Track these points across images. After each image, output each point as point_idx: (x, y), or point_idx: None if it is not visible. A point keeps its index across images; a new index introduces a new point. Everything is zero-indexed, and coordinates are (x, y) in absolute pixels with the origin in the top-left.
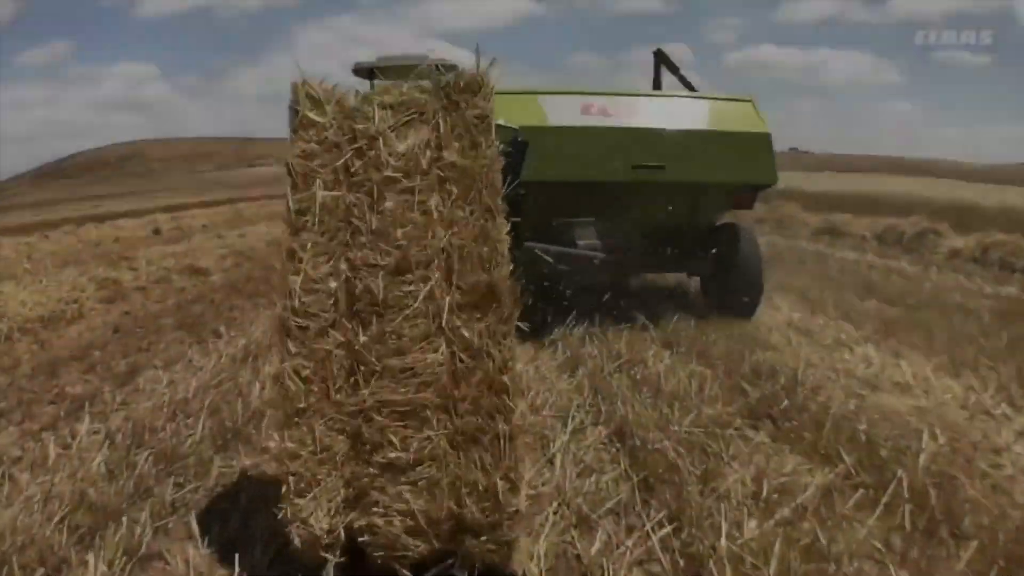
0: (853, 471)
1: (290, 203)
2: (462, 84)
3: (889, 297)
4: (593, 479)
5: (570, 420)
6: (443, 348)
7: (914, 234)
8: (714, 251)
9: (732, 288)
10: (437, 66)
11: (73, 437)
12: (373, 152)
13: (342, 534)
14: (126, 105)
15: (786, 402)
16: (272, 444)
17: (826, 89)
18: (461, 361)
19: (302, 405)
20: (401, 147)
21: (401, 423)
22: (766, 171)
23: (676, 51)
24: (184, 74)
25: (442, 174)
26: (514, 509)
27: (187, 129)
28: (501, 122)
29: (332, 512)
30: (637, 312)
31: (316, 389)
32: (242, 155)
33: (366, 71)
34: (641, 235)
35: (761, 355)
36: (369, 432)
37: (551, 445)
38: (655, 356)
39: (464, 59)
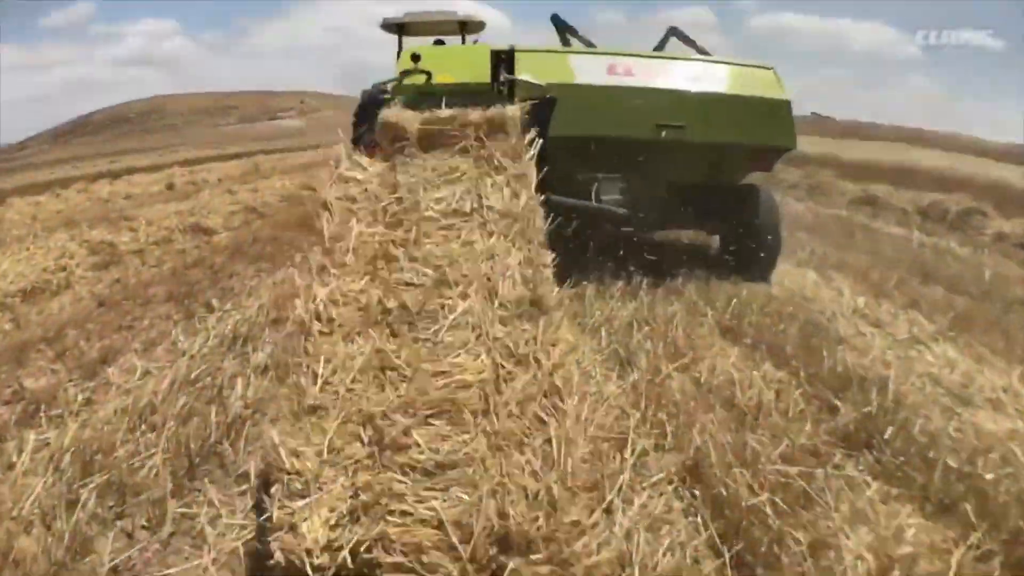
0: (982, 535)
1: (325, 231)
2: (507, 150)
3: (951, 283)
4: (667, 544)
5: (629, 446)
6: (483, 356)
7: (958, 213)
8: (734, 211)
9: (750, 248)
10: (464, 23)
11: (20, 452)
12: (413, 199)
13: (347, 558)
14: (147, 61)
15: (890, 429)
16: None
17: (846, 58)
18: (503, 367)
19: (313, 402)
20: (442, 193)
21: (432, 423)
22: (786, 135)
23: (698, 16)
24: (206, 30)
25: (484, 218)
26: (575, 519)
27: (209, 83)
28: (529, 79)
29: (333, 523)
30: (687, 289)
31: (332, 389)
32: (264, 107)
33: (394, 27)
34: (663, 193)
35: (841, 355)
36: (392, 432)
37: (605, 484)
38: (719, 352)
39: (490, 16)
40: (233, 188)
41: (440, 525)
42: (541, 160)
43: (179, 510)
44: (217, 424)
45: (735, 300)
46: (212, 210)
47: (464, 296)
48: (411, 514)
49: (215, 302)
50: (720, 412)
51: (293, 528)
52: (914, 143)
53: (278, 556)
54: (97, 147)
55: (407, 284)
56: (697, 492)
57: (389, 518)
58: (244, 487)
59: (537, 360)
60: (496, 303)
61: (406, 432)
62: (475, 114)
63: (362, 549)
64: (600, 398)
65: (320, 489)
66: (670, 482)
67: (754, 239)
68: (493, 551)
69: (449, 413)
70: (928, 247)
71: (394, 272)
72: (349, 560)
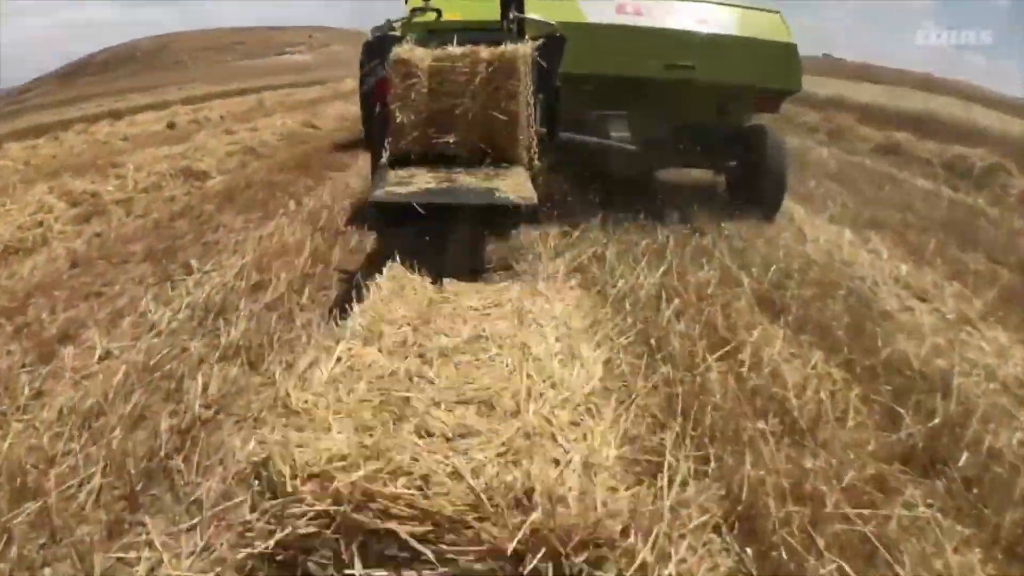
0: None
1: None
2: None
3: (990, 250)
4: None
5: (665, 472)
6: (523, 381)
7: (983, 169)
8: (741, 151)
9: (757, 187)
10: None
11: None
12: (456, 300)
13: (340, 492)
14: (155, 1)
15: (965, 454)
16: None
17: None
18: (536, 389)
19: (331, 376)
20: (482, 294)
21: (458, 410)
22: (791, 78)
23: None
24: None
25: (522, 316)
26: (612, 486)
27: (217, 22)
28: (539, 17)
29: (330, 458)
30: (718, 249)
31: (355, 372)
32: (272, 42)
33: None
34: (672, 131)
35: (897, 345)
36: (414, 411)
37: (637, 535)
38: (763, 335)
39: None
40: (232, 127)
41: (454, 472)
42: (552, 99)
43: (115, 555)
44: (170, 431)
45: (773, 266)
46: (207, 152)
47: (500, 347)
48: (427, 471)
49: (194, 262)
50: (771, 420)
51: (284, 447)
52: (924, 89)
53: (262, 471)
54: (102, 87)
55: (445, 334)
56: (748, 551)
57: (397, 457)
58: (196, 520)
59: (572, 389)
60: (531, 358)
61: (427, 411)
62: (486, 52)
63: (359, 481)
64: (627, 397)
65: (326, 430)
66: (715, 527)
67: (761, 179)
68: (516, 512)
69: (476, 407)
70: (959, 205)
71: (433, 327)
72: (344, 494)
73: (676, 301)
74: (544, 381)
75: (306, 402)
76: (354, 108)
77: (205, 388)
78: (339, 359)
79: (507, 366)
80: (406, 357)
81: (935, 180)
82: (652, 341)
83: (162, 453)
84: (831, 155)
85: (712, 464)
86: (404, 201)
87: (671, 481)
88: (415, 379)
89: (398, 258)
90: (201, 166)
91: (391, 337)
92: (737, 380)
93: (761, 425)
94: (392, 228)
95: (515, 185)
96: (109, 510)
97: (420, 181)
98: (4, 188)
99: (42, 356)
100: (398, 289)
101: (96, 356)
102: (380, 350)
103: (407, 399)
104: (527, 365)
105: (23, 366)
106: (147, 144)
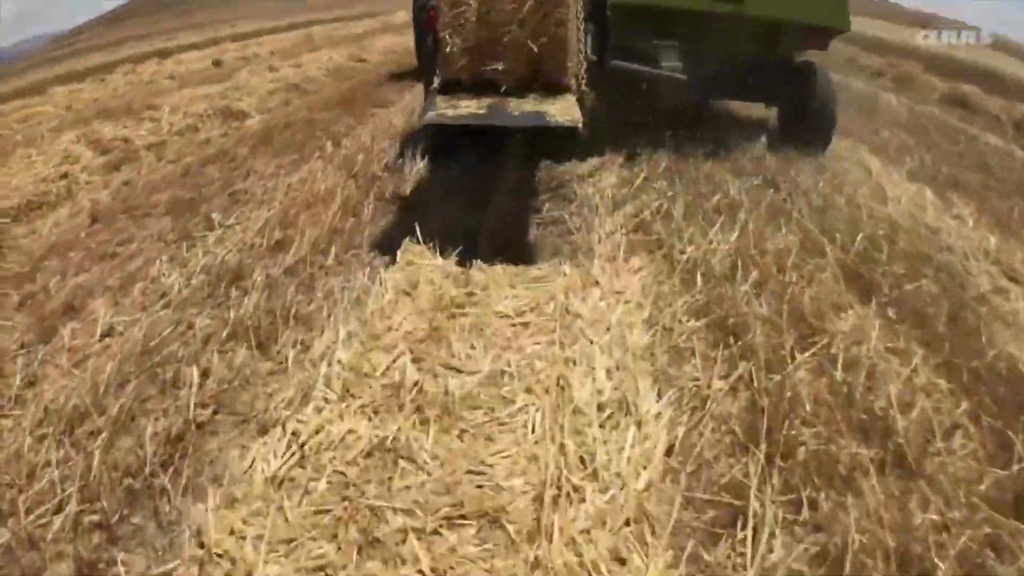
0: None
1: (369, 306)
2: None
3: None
4: None
5: (750, 523)
6: (543, 460)
7: None
8: (790, 85)
9: (807, 122)
10: None
11: None
12: (485, 296)
13: None
14: None
15: None
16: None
17: None
18: (569, 480)
19: (281, 472)
20: (519, 292)
21: (446, 534)
22: (840, 17)
23: None
24: None
25: (567, 323)
26: None
27: None
28: None
29: None
30: (796, 208)
31: (314, 463)
32: None
33: None
34: (722, 63)
35: (998, 343)
36: (383, 535)
37: None
38: (855, 321)
39: None
40: (276, 64)
41: None
42: (603, 28)
43: None
44: (159, 439)
45: (859, 234)
46: (248, 90)
47: (528, 391)
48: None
49: (216, 216)
50: (871, 441)
51: None
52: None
53: None
54: (151, 27)
55: (456, 370)
56: None
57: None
58: (174, 564)
59: (620, 476)
60: (571, 408)
61: (404, 538)
62: None
63: None
64: (700, 405)
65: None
66: None
67: (811, 115)
68: None
69: (476, 525)
70: None
71: (443, 355)
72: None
73: (754, 274)
74: (582, 463)
75: (232, 532)
76: (403, 40)
77: (205, 376)
78: (296, 436)
79: (532, 431)
80: (397, 411)
81: (1005, 138)
82: (729, 327)
83: (147, 470)
84: (900, 103)
85: (805, 510)
86: (454, 123)
87: (755, 532)
88: (399, 462)
89: (418, 231)
90: (240, 105)
91: (382, 379)
92: (830, 385)
93: (862, 451)
94: (442, 157)
95: (563, 109)
96: (84, 544)
97: (470, 106)
98: (33, 138)
99: (43, 333)
100: (410, 285)
101: (98, 332)
102: (363, 407)
103: (378, 511)
104: (561, 424)
105: (21, 346)
106: (190, 83)
